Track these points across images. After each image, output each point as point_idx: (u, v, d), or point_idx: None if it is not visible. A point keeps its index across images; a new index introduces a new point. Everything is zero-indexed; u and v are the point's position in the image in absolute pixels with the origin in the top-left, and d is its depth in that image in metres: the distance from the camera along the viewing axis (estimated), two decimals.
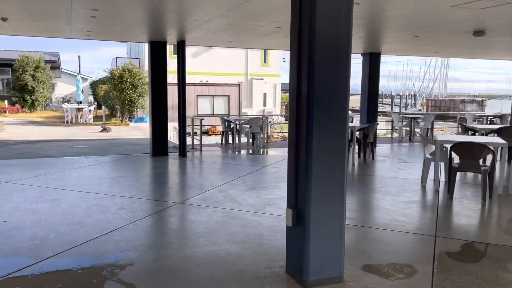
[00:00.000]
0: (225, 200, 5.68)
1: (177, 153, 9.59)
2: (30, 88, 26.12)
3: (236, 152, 10.65)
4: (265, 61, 31.48)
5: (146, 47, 28.19)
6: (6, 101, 26.06)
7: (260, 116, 12.15)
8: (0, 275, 3.32)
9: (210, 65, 28.89)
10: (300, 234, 3.19)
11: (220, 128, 21.22)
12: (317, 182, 3.09)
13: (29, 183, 6.52)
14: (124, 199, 5.70)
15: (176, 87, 9.32)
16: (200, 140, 10.52)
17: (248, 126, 11.40)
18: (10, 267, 3.47)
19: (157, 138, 9.41)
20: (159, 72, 9.26)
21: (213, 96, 23.58)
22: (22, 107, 26.10)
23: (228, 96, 24.01)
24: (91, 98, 32.04)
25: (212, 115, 22.59)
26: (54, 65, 30.59)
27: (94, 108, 22.62)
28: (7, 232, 4.30)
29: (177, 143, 10.98)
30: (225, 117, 12.31)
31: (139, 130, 17.36)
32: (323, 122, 3.06)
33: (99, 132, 15.85)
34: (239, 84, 25.26)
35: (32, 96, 26.43)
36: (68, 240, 4.11)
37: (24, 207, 5.25)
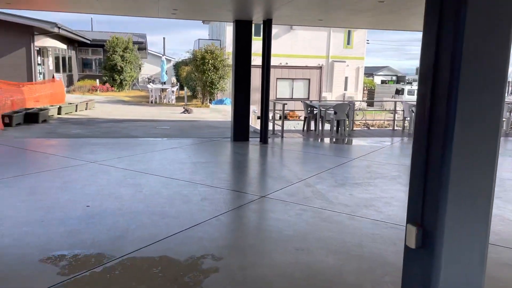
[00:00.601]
0: (313, 196, 5.10)
1: (258, 139, 9.16)
2: (119, 68, 27.40)
3: (319, 140, 9.98)
4: (348, 43, 29.99)
5: (228, 28, 28.09)
6: (97, 80, 27.67)
7: (347, 102, 11.30)
8: (75, 273, 3.06)
9: (290, 47, 28.11)
10: (427, 258, 2.50)
11: (299, 114, 20.57)
12: (455, 193, 2.37)
13: (113, 165, 6.46)
14: (206, 188, 5.36)
15: (257, 69, 8.83)
16: (282, 126, 9.99)
17: (332, 112, 10.64)
18: (87, 263, 3.21)
19: (239, 123, 9.04)
20: (243, 53, 8.82)
21: (293, 79, 22.90)
22: (112, 86, 27.54)
23: (309, 79, 23.17)
24: (174, 79, 32.98)
25: (291, 99, 21.97)
26: (141, 46, 31.82)
27: (177, 89, 23.08)
28: (89, 220, 4.12)
29: (257, 128, 10.57)
30: (308, 102, 11.64)
31: (218, 112, 17.31)
32: (470, 115, 2.31)
33: (181, 113, 16.01)
34: (321, 67, 24.25)
35: (121, 76, 27.75)
36: (149, 234, 3.81)
37: (107, 190, 5.11)
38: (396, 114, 12.49)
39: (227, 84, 20.12)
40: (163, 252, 3.46)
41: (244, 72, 8.86)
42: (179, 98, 21.99)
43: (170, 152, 7.68)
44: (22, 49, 20.75)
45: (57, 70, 25.74)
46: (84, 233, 3.78)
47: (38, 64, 22.43)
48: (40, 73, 22.68)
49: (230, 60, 19.88)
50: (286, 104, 10.13)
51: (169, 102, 20.51)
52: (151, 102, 20.53)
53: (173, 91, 20.94)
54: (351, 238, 3.85)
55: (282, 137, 9.86)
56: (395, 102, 13.07)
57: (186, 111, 16.18)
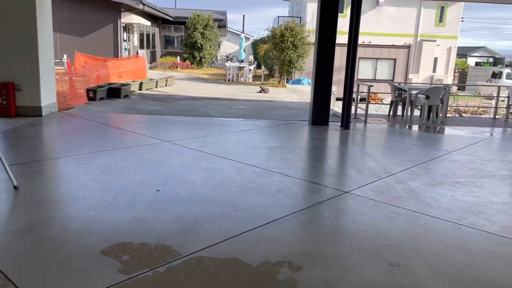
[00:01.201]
0: (407, 196, 4.39)
1: (339, 124, 8.46)
2: (199, 45, 27.72)
3: (408, 128, 9.01)
4: (440, 20, 27.46)
5: (309, 5, 26.92)
6: (178, 57, 28.29)
7: (442, 86, 10.09)
8: (136, 272, 2.74)
9: (375, 25, 26.35)
10: None
11: (381, 96, 19.24)
12: None
13: (187, 145, 6.21)
14: (282, 177, 4.87)
15: (338, 48, 8.05)
16: (366, 110, 9.16)
17: (424, 96, 9.54)
18: (151, 260, 2.89)
19: (319, 105, 8.39)
20: (328, 29, 8.08)
21: (376, 59, 21.44)
22: (191, 63, 28.01)
23: (394, 59, 21.54)
24: (251, 57, 32.75)
25: (374, 80, 20.62)
26: (221, 24, 31.87)
27: (254, 68, 22.76)
28: (158, 207, 3.83)
29: (337, 111, 9.83)
30: (396, 84, 10.59)
31: (295, 92, 16.69)
32: None
33: (257, 92, 15.65)
34: (409, 46, 22.42)
35: (200, 53, 28.08)
36: (219, 229, 3.42)
37: (179, 174, 4.83)
38: (496, 100, 10.98)
39: (306, 63, 19.34)
40: (234, 253, 3.04)
41: (327, 50, 8.13)
42: (255, 77, 21.67)
43: (245, 135, 7.29)
44: (109, 25, 21.62)
45: (141, 46, 26.64)
46: (151, 222, 3.48)
47: (124, 40, 23.31)
48: (125, 49, 23.60)
49: (310, 38, 19.01)
50: (372, 86, 9.24)
51: (245, 80, 20.27)
52: (228, 80, 20.44)
53: (250, 70, 20.64)
54: (460, 255, 3.14)
55: (366, 122, 9.05)
56: (499, 87, 11.49)
57: (263, 90, 15.78)
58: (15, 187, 4.06)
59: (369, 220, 3.76)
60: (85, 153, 5.51)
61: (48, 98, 8.22)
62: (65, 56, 20.81)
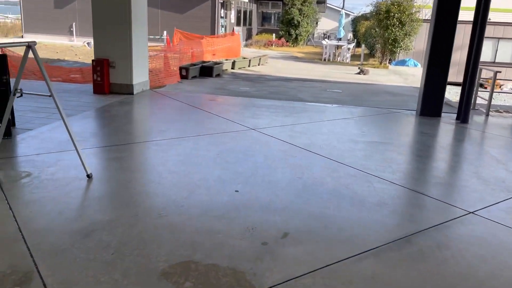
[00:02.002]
0: None
1: (454, 116, 7.19)
2: (296, 22, 26.79)
3: None
4: None
5: None
6: (274, 35, 27.68)
7: None
8: None
9: None
10: None
11: (501, 82, 16.70)
12: None
13: (274, 134, 5.58)
14: (384, 184, 4.02)
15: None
16: (489, 100, 7.68)
17: None
18: None
19: (430, 93, 7.17)
20: (449, 5, 6.77)
21: (498, 38, 18.61)
22: (287, 41, 27.24)
23: None
24: (350, 35, 30.96)
25: (493, 63, 17.99)
26: (320, 0, 30.47)
27: (353, 47, 21.28)
28: (233, 214, 3.26)
29: (450, 99, 8.44)
30: None
31: (399, 75, 15.14)
32: None
33: (355, 74, 14.45)
34: None
35: (297, 31, 27.16)
36: (303, 253, 2.75)
37: (262, 171, 4.22)
38: None
39: (413, 43, 17.47)
40: None
41: (446, 29, 6.85)
42: (354, 57, 20.24)
43: (340, 124, 6.45)
44: (208, 1, 21.64)
45: (237, 23, 26.49)
46: (224, 234, 2.93)
47: (221, 17, 23.27)
48: (222, 26, 23.58)
49: (419, 14, 17.07)
50: (500, 72, 7.70)
51: (343, 60, 19.01)
52: (324, 59, 19.35)
53: (348, 49, 19.29)
54: None
55: (487, 115, 7.61)
56: None
57: (361, 71, 14.53)
58: (88, 176, 3.80)
59: (509, 259, 2.79)
60: (167, 139, 5.17)
61: (140, 76, 8.14)
62: (165, 32, 21.40)
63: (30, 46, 3.57)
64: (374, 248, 2.85)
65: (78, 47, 20.21)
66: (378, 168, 4.48)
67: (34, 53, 3.58)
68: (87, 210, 3.19)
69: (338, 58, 19.47)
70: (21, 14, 24.63)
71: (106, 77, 7.78)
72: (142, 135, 5.38)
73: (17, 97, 3.78)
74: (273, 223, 3.14)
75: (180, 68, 10.81)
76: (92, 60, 7.77)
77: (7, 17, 37.76)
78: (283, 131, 5.80)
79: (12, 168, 3.91)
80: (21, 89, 3.79)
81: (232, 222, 3.13)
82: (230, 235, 2.93)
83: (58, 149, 4.53)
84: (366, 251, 2.81)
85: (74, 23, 23.64)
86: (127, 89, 7.90)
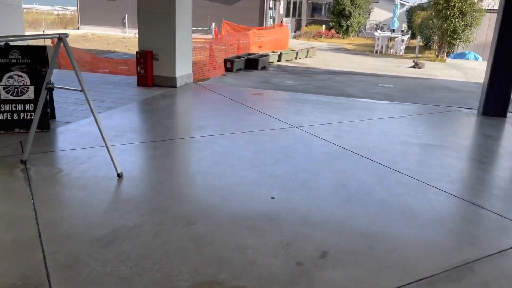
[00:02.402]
0: None
1: None
2: (347, 13, 25.88)
3: None
4: None
5: None
6: (323, 26, 26.90)
7: None
8: None
9: None
10: None
11: None
12: None
13: (318, 133, 5.19)
14: (442, 195, 3.54)
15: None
16: None
17: None
18: None
19: (496, 89, 6.45)
20: None
21: None
22: (337, 33, 26.39)
23: None
24: (405, 26, 29.52)
25: None
26: None
27: (407, 38, 20.18)
28: (267, 225, 2.95)
29: None
30: None
31: (457, 69, 14.09)
32: None
33: (410, 67, 13.61)
34: None
35: (348, 22, 26.23)
36: (345, 278, 2.39)
37: (302, 176, 3.87)
38: None
39: (474, 34, 16.23)
40: None
41: None
42: (408, 49, 19.18)
43: (391, 123, 5.94)
44: None
45: (286, 14, 25.98)
46: (251, 250, 2.62)
47: (270, 8, 22.87)
48: (270, 18, 23.19)
49: (483, 4, 15.80)
50: None
51: (396, 53, 18.06)
52: (376, 52, 18.48)
53: (402, 40, 18.28)
54: None
55: None
56: None
57: (416, 65, 13.66)
58: (118, 175, 3.62)
59: None
60: (205, 136, 4.94)
61: (183, 69, 7.99)
62: (213, 24, 21.34)
63: (61, 38, 3.43)
64: (428, 277, 2.44)
65: (129, 39, 20.62)
66: (434, 176, 3.98)
67: (65, 45, 3.44)
68: (112, 214, 3.00)
69: (391, 51, 18.52)
70: (77, 6, 25.55)
71: (149, 70, 7.69)
72: (179, 131, 5.17)
73: (49, 90, 3.66)
74: (311, 239, 2.79)
75: (225, 61, 10.60)
76: (136, 52, 7.70)
77: (67, 9, 39.44)
78: (327, 130, 5.39)
79: (45, 164, 3.82)
80: (52, 83, 3.67)
81: (265, 235, 2.82)
82: (261, 252, 2.62)
83: (93, 144, 4.41)
84: (418, 280, 2.40)
85: (126, 15, 24.18)
86: (170, 82, 7.78)
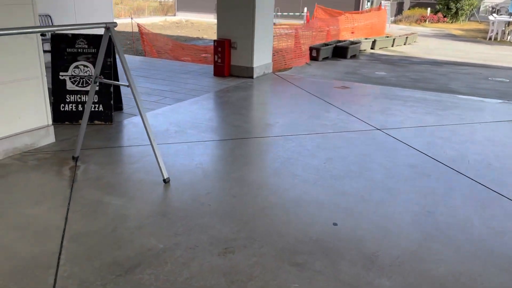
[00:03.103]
0: None
1: None
2: None
3: None
4: None
5: None
6: (428, 9, 24.49)
7: None
8: None
9: None
10: None
11: None
12: None
13: (405, 139, 4.37)
14: None
15: None
16: None
17: None
18: None
19: None
20: None
21: None
22: (444, 17, 23.87)
23: None
24: None
25: None
26: None
27: None
28: (321, 263, 2.34)
29: None
30: None
31: None
32: None
33: None
34: None
35: (458, 4, 23.58)
36: None
37: (377, 196, 3.16)
38: None
39: None
40: None
41: None
42: None
43: (502, 130, 4.84)
44: None
45: None
46: None
47: None
48: (368, 1, 21.66)
49: None
50: None
51: None
52: (490, 38, 16.22)
53: None
54: None
55: None
56: None
57: None
58: (164, 181, 3.27)
59: None
60: (272, 136, 4.42)
61: (261, 58, 7.51)
62: (305, 9, 20.51)
63: (108, 27, 3.13)
64: None
65: None
66: None
67: (112, 35, 3.12)
68: (144, 230, 2.63)
69: (509, 37, 16.10)
70: None
71: (227, 59, 7.33)
72: (244, 129, 4.71)
73: (96, 84, 3.41)
74: None
75: (310, 49, 9.89)
76: (214, 41, 7.39)
77: None
78: (418, 135, 4.53)
79: (95, 162, 3.61)
80: (101, 76, 3.41)
81: (316, 278, 2.23)
82: None
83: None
84: None
85: None
86: (247, 72, 7.36)
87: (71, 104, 4.56)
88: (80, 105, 4.57)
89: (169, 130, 4.50)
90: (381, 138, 4.44)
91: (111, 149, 3.95)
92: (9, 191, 3.04)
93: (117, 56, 4.64)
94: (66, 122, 4.55)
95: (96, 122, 4.60)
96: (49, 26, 2.51)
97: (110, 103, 4.62)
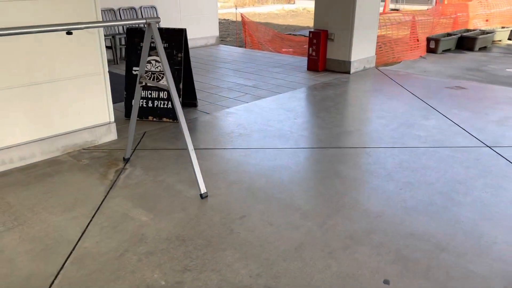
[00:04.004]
0: None
1: None
2: None
3: None
4: None
5: None
6: None
7: None
8: None
9: None
10: None
11: None
12: None
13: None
14: None
15: None
16: None
17: None
18: None
19: None
20: None
21: None
22: None
23: None
24: None
25: None
26: None
27: None
28: None
29: None
30: None
31: None
32: None
33: None
34: None
35: None
36: None
37: (457, 246, 2.36)
38: None
39: None
40: None
41: None
42: None
43: None
44: None
45: None
46: None
47: None
48: None
49: None
50: None
51: None
52: None
53: None
54: None
55: None
56: None
57: None
58: (201, 196, 2.91)
59: None
60: (347, 147, 3.76)
61: (361, 51, 6.68)
62: None
63: (149, 24, 2.83)
64: None
65: None
66: None
67: (154, 32, 2.83)
68: (152, 259, 2.30)
69: None
70: None
71: (322, 52, 6.69)
72: (317, 136, 4.10)
73: (141, 86, 3.18)
74: None
75: (428, 40, 8.61)
76: (309, 32, 6.79)
77: None
78: None
79: (143, 166, 3.42)
80: (144, 77, 3.16)
81: None
82: None
83: (213, 145, 3.83)
84: None
85: None
86: (343, 67, 6.62)
87: (142, 100, 4.48)
88: (150, 101, 4.47)
89: (234, 132, 4.13)
90: (488, 159, 3.45)
91: (166, 151, 3.73)
92: (48, 193, 2.98)
93: (190, 51, 4.42)
94: (137, 118, 4.49)
95: (164, 119, 4.46)
96: (81, 23, 2.30)
97: (179, 99, 4.42)
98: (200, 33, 9.10)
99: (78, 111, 3.65)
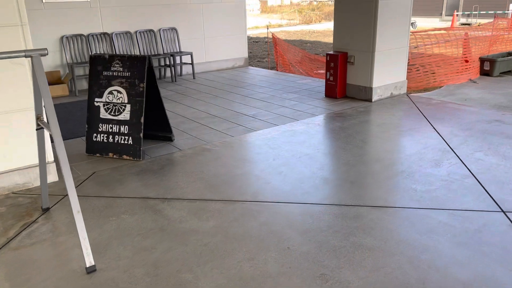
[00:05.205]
0: None
1: None
2: None
3: None
4: None
5: None
6: None
7: None
8: None
9: None
10: None
11: None
12: None
13: None
14: None
15: None
16: None
17: None
18: None
19: None
20: None
21: None
22: None
23: None
24: None
25: None
26: None
27: None
28: None
29: None
30: None
31: None
32: None
33: None
34: None
35: None
36: None
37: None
38: None
39: None
40: None
41: None
42: None
43: None
44: None
45: None
46: None
47: None
48: None
49: None
50: None
51: None
52: None
53: None
54: None
55: None
56: None
57: None
58: (87, 270, 2.31)
59: None
60: (335, 204, 2.96)
61: (386, 76, 5.75)
62: (510, 6, 16.37)
63: (31, 56, 2.33)
64: None
65: None
66: None
67: (35, 66, 2.32)
68: None
69: None
70: None
71: (340, 77, 5.86)
72: (279, 190, 3.33)
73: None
74: None
75: (481, 60, 7.35)
76: (326, 54, 6.00)
77: None
78: None
79: (56, 220, 2.91)
80: (41, 118, 2.65)
81: None
82: None
83: (158, 194, 3.23)
84: None
85: None
86: (364, 94, 5.73)
87: (102, 134, 4.03)
88: (111, 136, 4.00)
89: (195, 185, 3.50)
90: (494, 231, 2.46)
91: (96, 199, 3.20)
92: None
93: (159, 81, 3.91)
94: (97, 154, 4.05)
95: (124, 157, 3.96)
96: None
97: (140, 136, 3.90)
98: (226, 55, 8.65)
99: (5, 150, 3.27)
